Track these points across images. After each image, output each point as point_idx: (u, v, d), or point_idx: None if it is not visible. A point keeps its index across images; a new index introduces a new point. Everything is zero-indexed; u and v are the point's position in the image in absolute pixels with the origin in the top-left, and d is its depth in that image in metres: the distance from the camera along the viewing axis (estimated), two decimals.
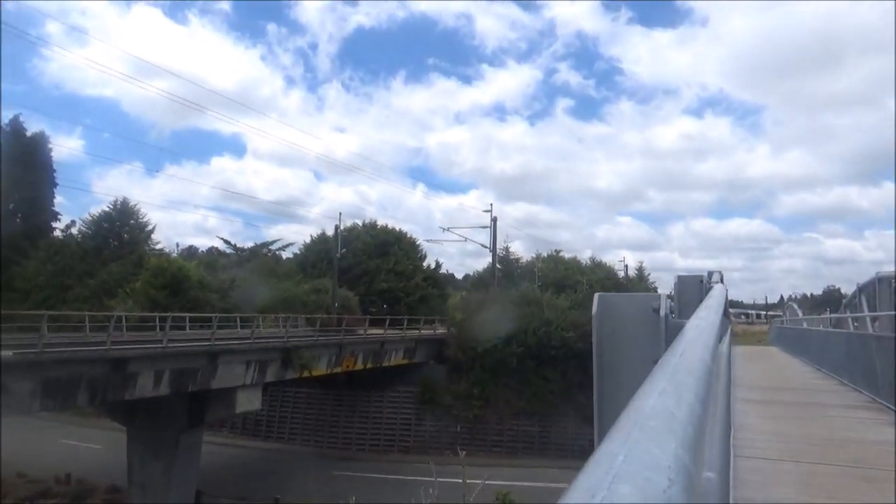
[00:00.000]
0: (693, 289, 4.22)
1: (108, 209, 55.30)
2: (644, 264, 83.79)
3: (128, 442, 25.80)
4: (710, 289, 4.30)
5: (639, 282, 75.31)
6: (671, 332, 1.76)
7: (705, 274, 5.10)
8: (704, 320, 1.78)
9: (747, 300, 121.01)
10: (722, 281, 5.11)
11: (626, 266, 74.47)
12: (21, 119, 58.16)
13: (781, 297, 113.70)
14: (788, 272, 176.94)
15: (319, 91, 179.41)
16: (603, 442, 0.72)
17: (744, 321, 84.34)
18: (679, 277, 4.12)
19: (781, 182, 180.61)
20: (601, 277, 67.55)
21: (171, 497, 24.48)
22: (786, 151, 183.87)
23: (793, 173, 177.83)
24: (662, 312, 1.76)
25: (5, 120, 58.68)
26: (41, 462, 29.90)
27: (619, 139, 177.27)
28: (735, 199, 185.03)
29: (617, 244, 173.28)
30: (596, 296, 1.87)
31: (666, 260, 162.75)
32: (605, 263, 75.33)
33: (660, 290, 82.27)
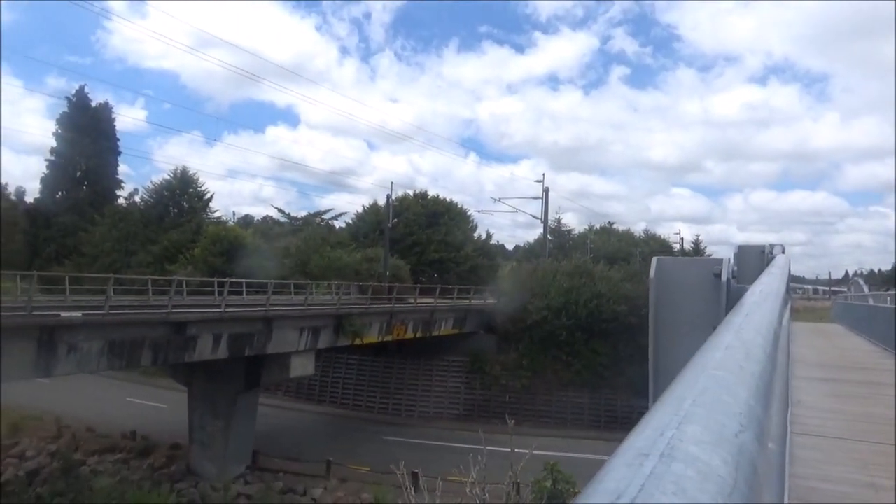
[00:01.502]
0: (754, 260, 4.08)
1: (168, 178, 57.01)
2: (700, 237, 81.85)
3: (189, 402, 26.90)
4: (772, 259, 4.15)
5: (694, 255, 73.74)
6: (732, 298, 1.70)
7: (766, 246, 4.93)
8: (769, 286, 1.72)
9: (809, 276, 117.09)
10: (784, 254, 4.93)
11: (682, 239, 72.81)
12: (86, 90, 60.20)
13: (846, 272, 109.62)
14: (854, 247, 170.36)
15: (372, 61, 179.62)
16: (669, 388, 0.70)
17: (805, 296, 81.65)
18: (739, 247, 3.98)
19: (849, 152, 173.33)
20: (655, 250, 66.34)
21: (229, 455, 25.50)
22: (855, 120, 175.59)
23: (861, 143, 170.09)
24: (724, 277, 1.70)
25: (71, 91, 60.81)
26: (109, 418, 31.48)
27: (676, 108, 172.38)
28: (798, 171, 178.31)
29: (672, 216, 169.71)
30: (654, 259, 1.83)
31: (723, 233, 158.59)
32: (660, 236, 74.07)
33: None
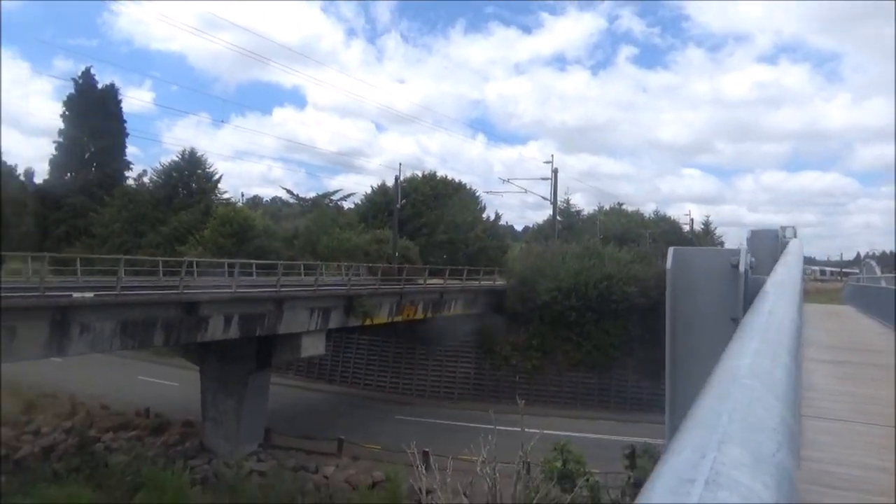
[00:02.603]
0: (768, 244, 4.05)
1: (177, 159, 57.03)
2: (710, 218, 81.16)
3: (201, 380, 27.20)
4: (785, 244, 4.12)
5: (704, 236, 73.29)
6: (750, 288, 1.69)
7: (778, 228, 4.89)
8: (787, 278, 1.71)
9: (820, 257, 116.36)
10: (796, 236, 4.89)
11: (692, 220, 72.27)
12: (93, 72, 60.09)
13: (858, 254, 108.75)
14: (865, 228, 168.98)
15: (378, 42, 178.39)
16: (701, 399, 0.70)
17: (815, 277, 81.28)
18: (752, 232, 3.95)
19: (860, 133, 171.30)
20: (665, 231, 66.05)
21: (242, 432, 25.82)
22: (866, 100, 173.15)
23: (873, 123, 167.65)
24: (742, 268, 1.69)
25: (77, 73, 60.77)
26: (122, 396, 31.92)
27: (685, 88, 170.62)
28: (809, 151, 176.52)
29: (682, 197, 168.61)
30: (670, 250, 1.81)
31: (733, 214, 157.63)
32: (670, 217, 73.53)
33: (727, 245, 79.75)
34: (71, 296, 18.60)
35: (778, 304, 1.28)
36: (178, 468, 23.71)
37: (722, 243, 78.21)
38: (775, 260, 3.49)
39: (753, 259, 1.95)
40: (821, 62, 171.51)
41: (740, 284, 1.87)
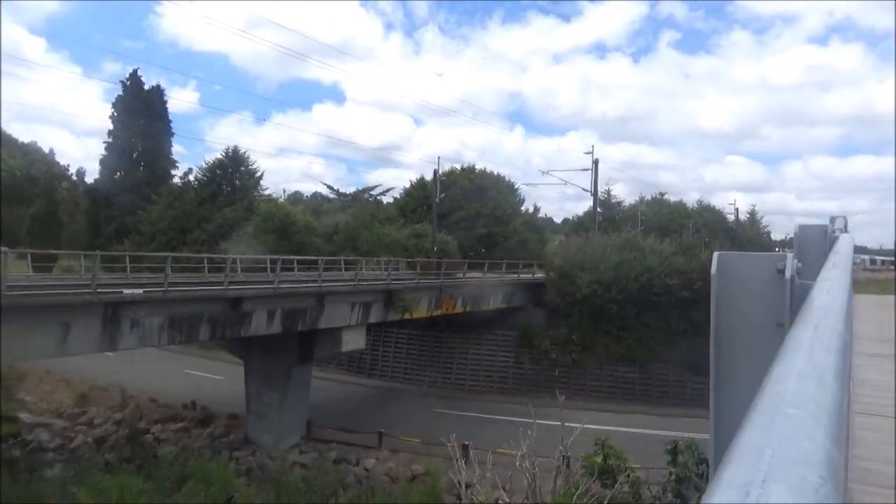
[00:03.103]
0: (817, 240, 3.94)
1: (220, 157, 58.21)
2: (756, 207, 79.23)
3: (245, 374, 27.81)
4: (835, 239, 3.99)
5: (750, 226, 71.67)
6: (797, 294, 1.65)
7: (828, 221, 4.73)
8: (835, 284, 1.66)
9: (872, 245, 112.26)
10: (846, 228, 4.73)
11: (737, 209, 70.60)
12: (139, 74, 61.73)
13: None
14: None
15: (416, 35, 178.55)
16: (745, 429, 0.70)
17: (865, 267, 78.57)
18: (800, 227, 3.84)
19: None
20: (709, 221, 64.79)
21: (284, 425, 26.33)
22: None
23: None
24: (788, 274, 1.64)
25: (125, 75, 62.46)
26: (170, 390, 32.84)
27: (730, 73, 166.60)
28: (862, 135, 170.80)
29: (726, 186, 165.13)
30: (715, 255, 1.77)
31: (781, 202, 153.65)
32: (714, 206, 72.05)
33: (773, 235, 77.51)
34: (121, 292, 19.20)
35: (824, 316, 1.25)
36: (224, 460, 24.31)
37: (768, 233, 76.42)
38: (824, 256, 3.39)
39: (800, 264, 1.91)
40: (875, 41, 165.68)
41: (787, 290, 1.83)
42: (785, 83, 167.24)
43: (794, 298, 1.75)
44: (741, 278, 2.02)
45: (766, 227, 75.51)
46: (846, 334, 1.29)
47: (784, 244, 67.66)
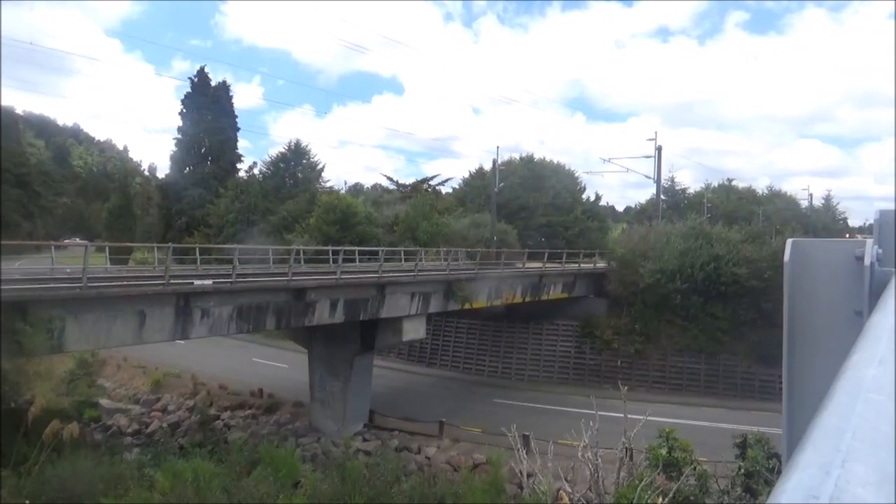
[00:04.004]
0: None
1: (283, 150, 59.60)
2: (831, 193, 75.55)
3: (309, 363, 28.48)
4: None
5: (825, 212, 68.44)
6: (876, 282, 1.55)
7: None
8: None
9: None
10: None
11: (811, 195, 67.52)
12: (207, 71, 63.74)
13: None
14: None
15: (475, 25, 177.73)
16: (824, 413, 0.68)
17: None
18: (880, 212, 3.63)
19: None
20: (780, 208, 62.37)
21: (347, 412, 26.86)
22: None
23: None
24: (868, 261, 1.54)
25: (193, 72, 64.59)
26: (238, 377, 34.01)
27: (802, 53, 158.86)
28: None
29: (798, 171, 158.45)
30: (788, 242, 1.69)
31: (858, 187, 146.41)
32: (785, 193, 69.24)
33: (851, 221, 73.81)
34: (192, 283, 19.94)
35: None
36: (291, 446, 25.00)
37: (845, 219, 72.86)
38: None
39: (881, 250, 1.79)
40: None
41: (866, 278, 1.73)
42: (864, 62, 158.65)
43: (873, 287, 1.66)
44: (816, 266, 1.92)
45: (842, 213, 71.97)
46: None
47: (862, 230, 64.45)
